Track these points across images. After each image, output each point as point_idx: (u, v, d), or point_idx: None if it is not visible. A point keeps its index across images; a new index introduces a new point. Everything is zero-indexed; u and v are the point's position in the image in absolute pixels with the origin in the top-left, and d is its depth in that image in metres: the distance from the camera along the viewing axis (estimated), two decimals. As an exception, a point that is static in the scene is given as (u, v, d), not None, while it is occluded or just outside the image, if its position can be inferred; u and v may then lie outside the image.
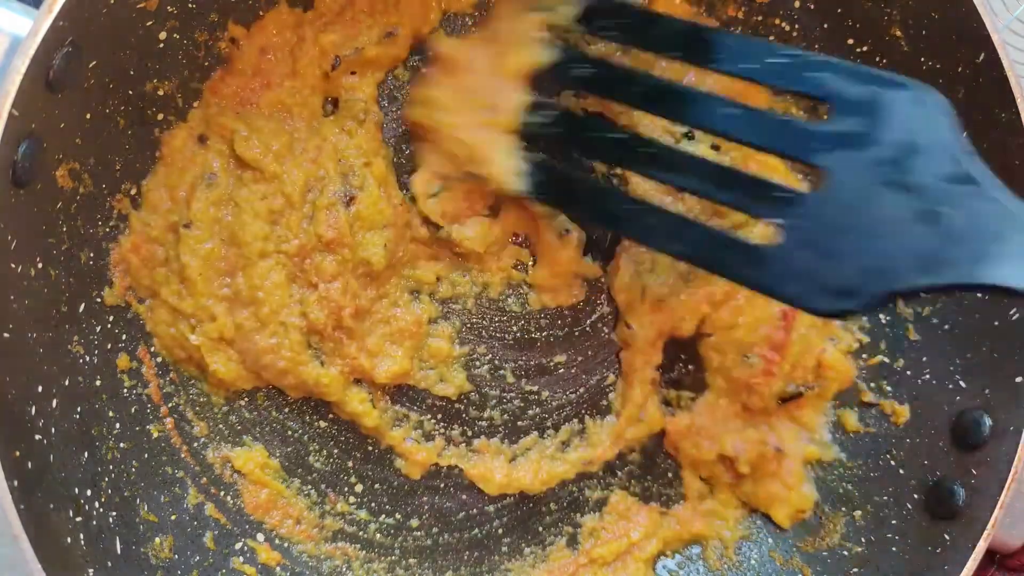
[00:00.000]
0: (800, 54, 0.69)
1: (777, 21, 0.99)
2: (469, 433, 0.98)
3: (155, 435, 0.89)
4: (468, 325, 0.98)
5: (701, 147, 0.90)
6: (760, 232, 0.86)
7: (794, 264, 0.64)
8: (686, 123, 0.76)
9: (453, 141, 0.87)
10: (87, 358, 0.82)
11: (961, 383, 0.91)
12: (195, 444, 0.91)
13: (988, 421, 0.86)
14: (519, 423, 0.99)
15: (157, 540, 0.86)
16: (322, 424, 0.96)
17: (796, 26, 0.99)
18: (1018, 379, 0.85)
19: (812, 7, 0.97)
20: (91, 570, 0.76)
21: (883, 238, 0.62)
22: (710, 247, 0.69)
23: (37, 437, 0.74)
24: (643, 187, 0.91)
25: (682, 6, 0.98)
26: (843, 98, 0.65)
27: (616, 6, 0.82)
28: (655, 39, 0.78)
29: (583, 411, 1.00)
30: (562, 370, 0.99)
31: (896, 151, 0.63)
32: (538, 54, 0.84)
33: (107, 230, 0.83)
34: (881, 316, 0.99)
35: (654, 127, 0.91)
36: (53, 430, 0.76)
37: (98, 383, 0.83)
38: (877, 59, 0.94)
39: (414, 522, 0.98)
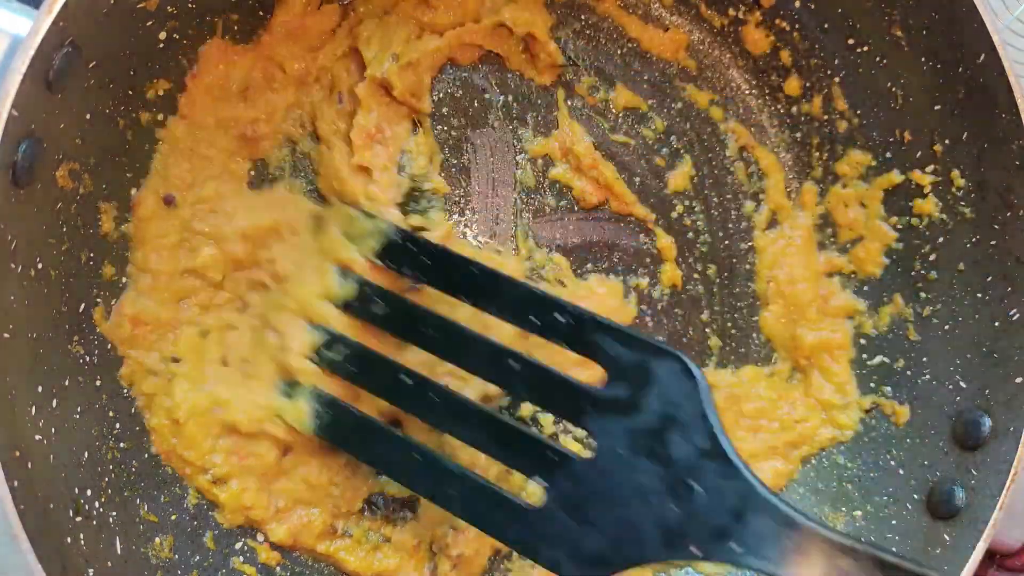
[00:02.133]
0: (582, 314, 0.70)
1: (777, 21, 0.99)
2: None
3: (152, 437, 0.88)
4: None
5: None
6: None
7: (554, 528, 0.66)
8: (470, 371, 0.76)
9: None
10: (87, 358, 0.82)
11: (961, 383, 0.91)
12: (195, 444, 0.91)
13: (988, 421, 0.86)
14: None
15: (157, 540, 0.86)
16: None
17: (796, 26, 0.99)
18: (1018, 379, 0.85)
19: (812, 7, 0.97)
20: (91, 570, 0.76)
21: (636, 509, 0.64)
22: (478, 503, 0.69)
23: (37, 437, 0.74)
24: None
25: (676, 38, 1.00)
26: (617, 364, 0.67)
27: (415, 243, 0.84)
28: (447, 280, 0.80)
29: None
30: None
31: (658, 421, 0.65)
32: (335, 285, 0.86)
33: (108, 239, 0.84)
34: (881, 316, 1.00)
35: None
36: (53, 430, 0.76)
37: (98, 383, 0.83)
38: (877, 59, 0.94)
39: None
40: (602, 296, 0.98)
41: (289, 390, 0.86)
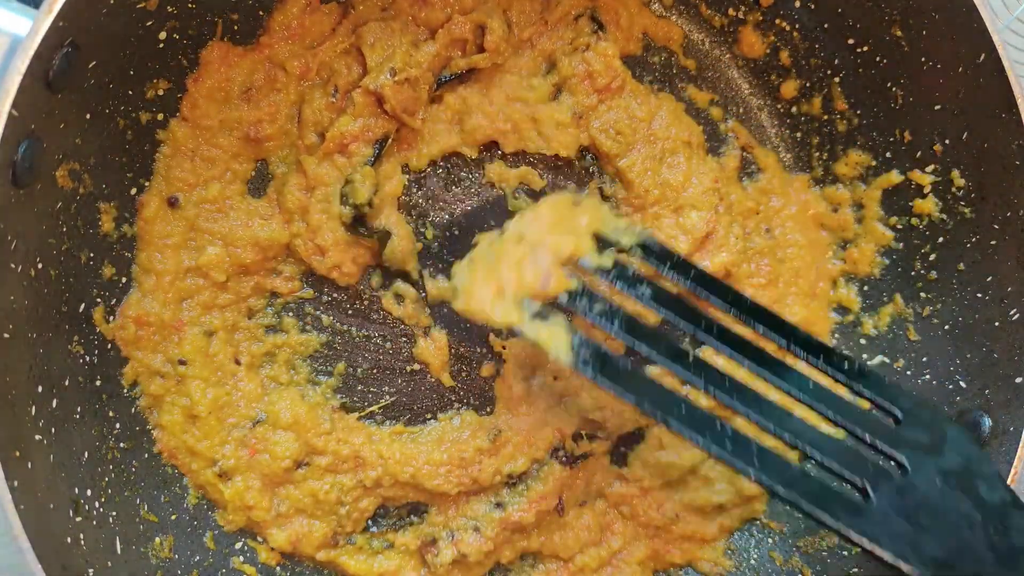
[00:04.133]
0: (878, 376, 0.76)
1: (778, 21, 0.99)
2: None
3: (155, 435, 0.89)
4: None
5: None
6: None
7: (891, 525, 0.71)
8: (782, 389, 0.77)
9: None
10: (87, 358, 0.82)
11: (961, 383, 0.91)
12: (195, 444, 0.92)
13: (988, 421, 0.86)
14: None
15: (157, 540, 0.86)
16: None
17: (797, 26, 0.99)
18: (1018, 379, 0.85)
19: (813, 7, 0.97)
20: (91, 570, 0.76)
21: (964, 529, 0.71)
22: (813, 490, 0.72)
23: (37, 437, 0.74)
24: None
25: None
26: (912, 415, 0.75)
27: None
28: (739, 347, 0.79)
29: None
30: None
31: (961, 467, 0.73)
32: (596, 260, 0.82)
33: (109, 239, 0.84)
34: (881, 316, 1.00)
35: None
36: (53, 430, 0.76)
37: (98, 383, 0.83)
38: (877, 59, 0.94)
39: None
40: None
41: (543, 315, 0.78)
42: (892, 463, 0.73)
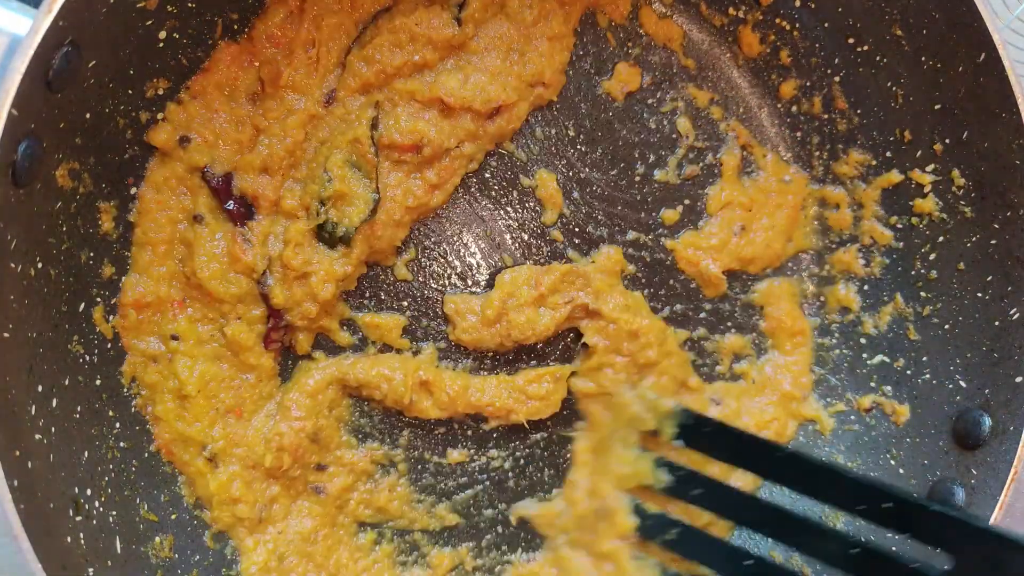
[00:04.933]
0: (906, 499, 0.69)
1: (778, 20, 0.99)
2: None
3: (153, 431, 0.88)
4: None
5: None
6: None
7: None
8: (814, 557, 0.77)
9: None
10: (87, 358, 0.82)
11: (961, 383, 0.91)
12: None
13: (988, 421, 0.87)
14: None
15: (157, 539, 0.86)
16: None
17: (797, 25, 0.99)
18: (1018, 379, 0.86)
19: (812, 6, 0.97)
20: (91, 570, 0.76)
21: None
22: None
23: (37, 437, 0.74)
24: None
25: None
26: (963, 553, 0.66)
27: (709, 424, 0.86)
28: (754, 464, 0.82)
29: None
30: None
31: None
32: (647, 475, 0.89)
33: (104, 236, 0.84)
34: (881, 316, 1.00)
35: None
36: (53, 430, 0.76)
37: (98, 383, 0.83)
38: (877, 59, 0.94)
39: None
40: None
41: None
42: None
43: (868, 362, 1.00)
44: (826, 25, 0.97)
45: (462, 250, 0.96)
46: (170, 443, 0.88)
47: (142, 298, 0.86)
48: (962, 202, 0.91)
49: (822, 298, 1.04)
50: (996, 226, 0.88)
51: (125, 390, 0.86)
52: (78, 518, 0.77)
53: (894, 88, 0.94)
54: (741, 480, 0.98)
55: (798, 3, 0.97)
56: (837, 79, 0.99)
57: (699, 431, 0.85)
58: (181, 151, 0.86)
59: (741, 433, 0.84)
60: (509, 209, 0.97)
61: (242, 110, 0.88)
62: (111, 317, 0.85)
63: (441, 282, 0.96)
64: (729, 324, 1.03)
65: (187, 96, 0.86)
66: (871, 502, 0.71)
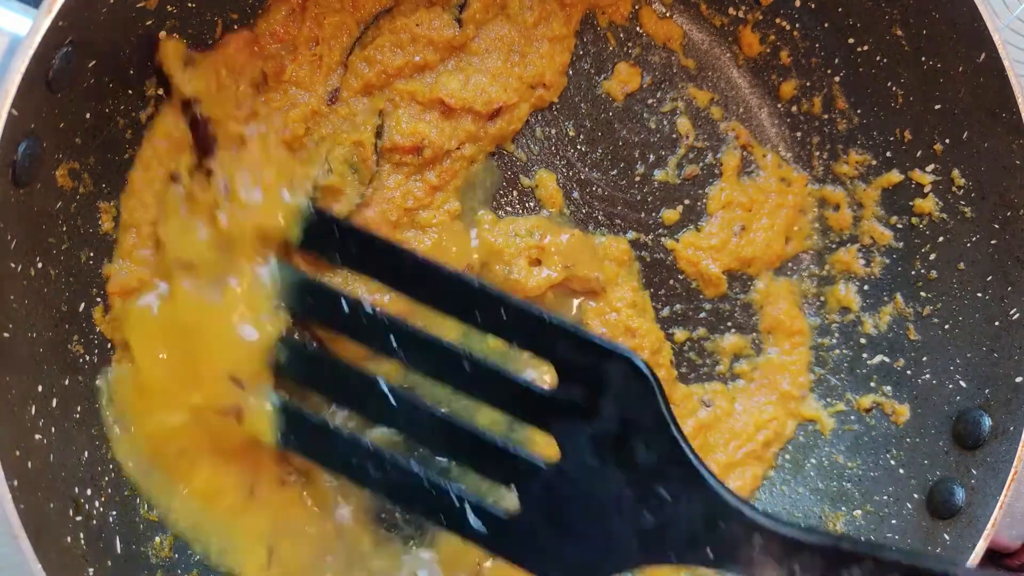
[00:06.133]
0: (527, 310, 0.67)
1: (778, 20, 0.99)
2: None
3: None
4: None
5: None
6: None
7: (536, 537, 0.65)
8: (429, 375, 0.72)
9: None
10: (87, 357, 0.82)
11: (961, 383, 0.91)
12: (195, 444, 0.91)
13: (988, 421, 0.87)
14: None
15: (157, 539, 0.86)
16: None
17: (797, 25, 0.99)
18: (1018, 379, 0.86)
19: (813, 6, 0.97)
20: (91, 570, 0.75)
21: (611, 516, 0.63)
22: (459, 515, 0.66)
23: (37, 437, 0.74)
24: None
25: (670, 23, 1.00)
26: (568, 365, 0.64)
27: (340, 227, 0.78)
28: (381, 272, 0.75)
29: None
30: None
31: (619, 427, 0.63)
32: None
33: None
34: (881, 316, 1.00)
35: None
36: (53, 430, 0.76)
37: (98, 383, 0.83)
38: (878, 58, 0.94)
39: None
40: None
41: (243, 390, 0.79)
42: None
43: (868, 362, 1.00)
44: (826, 25, 0.97)
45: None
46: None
47: (126, 284, 0.84)
48: (962, 202, 0.91)
49: (822, 298, 1.04)
50: (996, 226, 0.88)
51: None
52: (78, 518, 0.77)
53: (894, 88, 0.94)
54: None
55: (798, 3, 0.97)
56: (837, 79, 0.99)
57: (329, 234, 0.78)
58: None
59: (380, 241, 0.76)
60: (508, 209, 0.97)
61: (244, 93, 0.88)
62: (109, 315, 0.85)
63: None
64: (729, 324, 1.03)
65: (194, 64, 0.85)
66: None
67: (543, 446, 0.67)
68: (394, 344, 0.72)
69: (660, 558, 0.63)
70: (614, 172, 1.00)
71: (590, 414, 0.63)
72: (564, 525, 0.65)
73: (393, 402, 0.72)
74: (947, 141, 0.91)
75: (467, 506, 0.66)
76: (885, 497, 0.94)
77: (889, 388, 0.98)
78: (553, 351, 0.65)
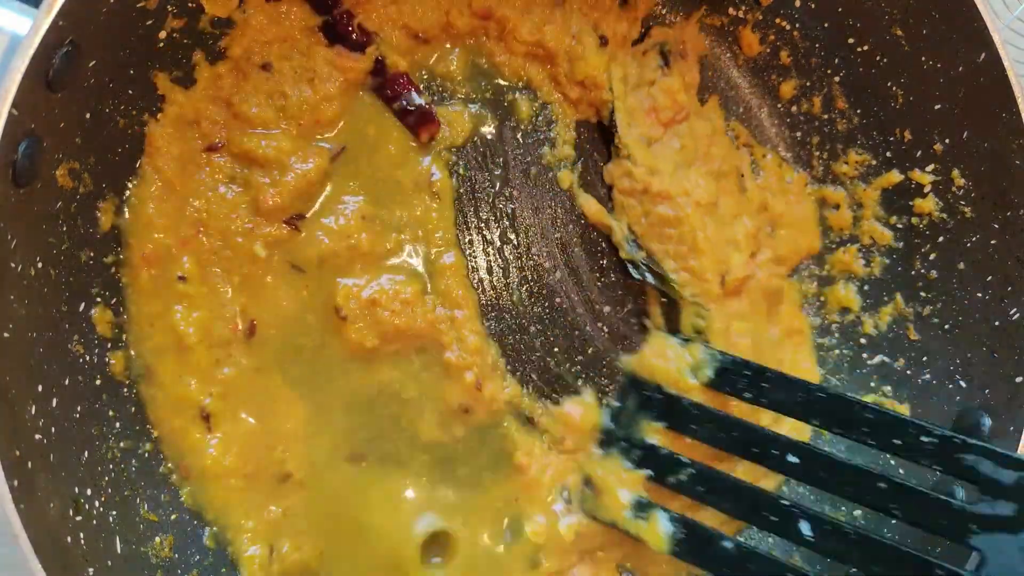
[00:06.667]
0: (948, 436, 0.70)
1: (778, 20, 0.99)
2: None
3: (155, 434, 0.88)
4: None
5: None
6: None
7: None
8: (838, 495, 0.77)
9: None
10: (87, 358, 0.82)
11: (961, 383, 0.91)
12: (195, 444, 0.91)
13: (988, 421, 0.86)
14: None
15: (157, 539, 0.86)
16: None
17: (797, 25, 0.99)
18: (1018, 379, 0.86)
19: (813, 6, 0.97)
20: (91, 570, 0.75)
21: None
22: None
23: (37, 437, 0.74)
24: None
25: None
26: (994, 483, 0.67)
27: (748, 368, 0.85)
28: (794, 406, 0.81)
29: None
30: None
31: None
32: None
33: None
34: (881, 316, 1.00)
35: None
36: (53, 430, 0.76)
37: (98, 383, 0.83)
38: (877, 58, 0.94)
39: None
40: None
41: (643, 512, 0.88)
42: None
43: (868, 362, 1.00)
44: (826, 25, 0.97)
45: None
46: (167, 421, 0.87)
47: (151, 253, 0.85)
48: (962, 202, 0.92)
49: (822, 298, 1.04)
50: (996, 226, 0.89)
51: (125, 390, 0.86)
52: (78, 518, 0.77)
53: (894, 88, 0.94)
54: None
55: (798, 3, 0.97)
56: (837, 79, 0.99)
57: (737, 375, 0.85)
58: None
59: (776, 373, 0.82)
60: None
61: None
62: (115, 312, 0.85)
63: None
64: (729, 324, 1.03)
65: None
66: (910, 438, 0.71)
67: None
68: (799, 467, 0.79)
69: None
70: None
71: (1016, 527, 0.65)
72: None
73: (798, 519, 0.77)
74: (947, 141, 0.91)
75: None
76: (885, 497, 0.94)
77: (889, 388, 0.98)
78: (976, 471, 0.67)
